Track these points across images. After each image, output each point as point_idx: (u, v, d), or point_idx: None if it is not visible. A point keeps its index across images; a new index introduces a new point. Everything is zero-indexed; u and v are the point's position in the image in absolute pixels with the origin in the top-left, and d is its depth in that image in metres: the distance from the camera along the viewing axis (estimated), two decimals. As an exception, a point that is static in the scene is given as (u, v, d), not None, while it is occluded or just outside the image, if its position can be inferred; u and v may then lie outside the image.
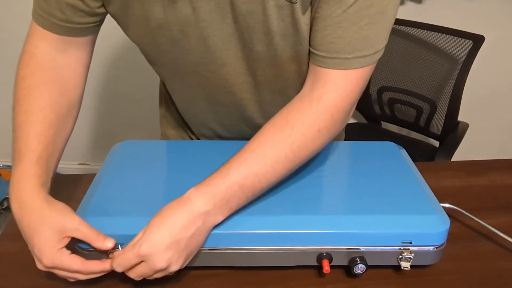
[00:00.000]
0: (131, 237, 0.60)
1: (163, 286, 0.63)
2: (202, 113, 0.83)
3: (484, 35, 1.38)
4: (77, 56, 0.72)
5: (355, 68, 0.61)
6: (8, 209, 1.78)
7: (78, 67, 0.73)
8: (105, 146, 0.90)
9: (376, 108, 1.66)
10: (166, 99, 0.92)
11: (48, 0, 0.65)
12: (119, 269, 0.58)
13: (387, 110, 1.63)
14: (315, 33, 0.62)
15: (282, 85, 0.74)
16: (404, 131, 1.71)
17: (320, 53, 0.62)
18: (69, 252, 0.58)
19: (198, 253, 0.61)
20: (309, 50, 0.65)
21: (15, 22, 1.72)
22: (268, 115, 0.69)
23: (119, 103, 1.89)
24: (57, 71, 0.69)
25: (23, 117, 0.65)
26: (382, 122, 1.76)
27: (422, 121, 1.55)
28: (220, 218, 0.60)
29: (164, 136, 0.97)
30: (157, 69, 0.79)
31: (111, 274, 0.60)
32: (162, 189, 0.68)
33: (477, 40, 1.39)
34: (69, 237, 0.58)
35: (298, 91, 0.66)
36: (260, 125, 0.66)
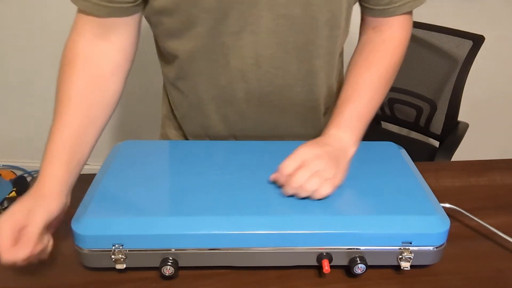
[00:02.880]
0: (131, 237, 0.60)
1: (163, 286, 0.63)
2: (216, 97, 0.81)
3: (484, 35, 1.39)
4: (118, 43, 0.71)
5: (409, 13, 0.77)
6: (8, 209, 1.77)
7: (118, 55, 0.72)
8: (105, 146, 0.90)
9: (376, 108, 1.66)
10: (170, 99, 0.92)
11: None
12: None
13: (387, 110, 1.63)
14: None
15: (311, 53, 0.76)
16: (404, 131, 1.71)
17: (383, 7, 0.75)
18: None
19: (199, 253, 0.62)
20: (364, 7, 0.77)
21: (15, 22, 1.72)
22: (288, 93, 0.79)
23: (119, 103, 1.89)
24: (95, 61, 0.70)
25: (58, 109, 0.67)
26: (382, 122, 1.76)
27: (422, 121, 1.55)
28: (355, 149, 0.72)
29: (164, 136, 0.97)
30: (178, 46, 0.76)
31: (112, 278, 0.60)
32: (162, 189, 0.68)
33: (477, 40, 1.39)
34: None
35: (325, 61, 0.78)
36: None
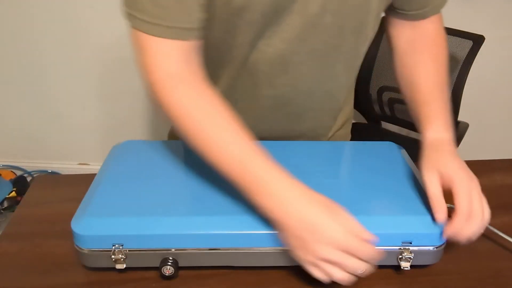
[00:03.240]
0: (131, 237, 0.60)
1: (163, 286, 0.63)
2: (239, 100, 0.80)
3: (484, 35, 1.38)
4: (200, 68, 0.67)
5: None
6: (8, 209, 1.77)
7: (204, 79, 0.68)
8: (105, 146, 0.90)
9: (376, 108, 1.66)
10: None
11: (183, 1, 0.61)
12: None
13: (387, 110, 1.63)
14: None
15: (335, 59, 0.76)
16: (404, 131, 1.71)
17: (416, 11, 0.78)
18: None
19: (199, 253, 0.62)
20: (396, 12, 0.79)
21: (15, 22, 1.72)
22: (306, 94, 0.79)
23: (119, 103, 1.89)
24: (204, 84, 0.66)
25: (223, 134, 0.62)
26: (382, 122, 1.76)
27: (422, 121, 1.55)
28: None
29: (172, 137, 0.96)
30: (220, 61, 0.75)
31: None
32: (162, 189, 0.68)
33: (477, 40, 1.38)
34: None
35: (347, 66, 0.79)
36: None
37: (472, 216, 0.61)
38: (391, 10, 0.80)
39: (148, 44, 0.64)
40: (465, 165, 0.66)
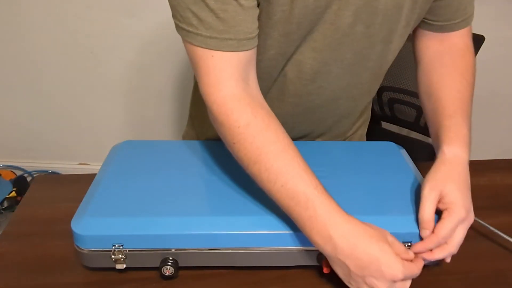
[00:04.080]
0: (131, 237, 0.60)
1: (163, 286, 0.63)
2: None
3: (484, 35, 1.38)
4: (256, 83, 0.66)
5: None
6: (8, 209, 1.77)
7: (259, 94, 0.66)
8: (105, 146, 0.90)
9: (376, 108, 1.65)
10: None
11: (247, 12, 0.59)
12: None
13: (387, 110, 1.63)
14: (447, 8, 0.75)
15: (362, 68, 0.76)
16: (404, 131, 1.71)
17: (451, 22, 0.77)
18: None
19: (199, 253, 0.62)
20: (425, 22, 0.77)
21: (15, 22, 1.72)
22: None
23: (119, 103, 1.89)
24: (262, 105, 0.64)
25: (281, 162, 0.60)
26: (382, 122, 1.76)
27: (422, 121, 1.55)
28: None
29: (188, 136, 0.96)
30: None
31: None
32: (162, 189, 0.68)
33: (477, 40, 1.38)
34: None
35: (372, 73, 0.78)
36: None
37: (446, 245, 0.62)
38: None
39: (210, 62, 0.61)
40: (469, 196, 0.65)
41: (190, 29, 0.60)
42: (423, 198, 0.63)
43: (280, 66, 0.73)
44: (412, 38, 0.83)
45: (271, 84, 0.77)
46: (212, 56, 0.60)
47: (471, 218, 0.64)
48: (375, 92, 0.89)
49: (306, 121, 0.84)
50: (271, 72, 0.74)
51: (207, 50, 0.60)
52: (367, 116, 1.00)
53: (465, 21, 0.78)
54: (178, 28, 0.62)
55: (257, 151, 0.60)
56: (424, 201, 0.63)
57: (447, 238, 0.61)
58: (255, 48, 0.64)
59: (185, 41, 0.62)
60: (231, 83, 0.62)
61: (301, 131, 0.87)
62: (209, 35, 0.59)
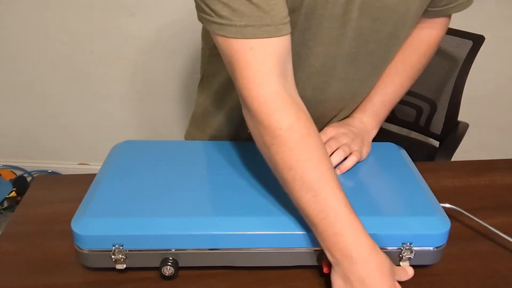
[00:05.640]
0: (131, 237, 0.60)
1: (163, 286, 0.63)
2: None
3: (484, 35, 1.38)
4: (293, 78, 0.63)
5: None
6: (8, 209, 1.77)
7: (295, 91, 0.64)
8: (105, 146, 0.90)
9: (376, 108, 1.65)
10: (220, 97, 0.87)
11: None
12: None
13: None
14: None
15: (366, 62, 0.77)
16: (404, 131, 1.71)
17: (440, 8, 0.78)
18: None
19: (199, 253, 0.62)
20: (429, 11, 0.77)
21: (15, 22, 1.72)
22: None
23: (119, 103, 1.89)
24: (302, 107, 0.62)
25: (317, 173, 0.58)
26: (382, 122, 1.76)
27: (422, 121, 1.55)
28: (376, 131, 0.83)
29: (190, 136, 0.96)
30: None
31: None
32: (162, 189, 0.68)
33: (477, 40, 1.38)
34: None
35: (374, 67, 0.79)
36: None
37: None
38: None
39: (250, 55, 0.58)
40: (350, 130, 0.79)
41: (222, 21, 0.58)
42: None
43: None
44: None
45: None
46: (251, 48, 0.58)
47: (353, 144, 0.76)
48: (373, 87, 0.88)
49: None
50: None
51: (244, 41, 0.58)
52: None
53: (462, 5, 0.78)
54: (207, 22, 0.60)
55: (295, 157, 0.58)
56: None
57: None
58: (290, 36, 0.61)
59: (217, 35, 0.59)
60: (273, 78, 0.59)
61: None
62: (244, 23, 0.57)
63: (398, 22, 0.72)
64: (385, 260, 0.57)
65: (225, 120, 0.89)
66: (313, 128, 0.61)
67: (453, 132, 1.46)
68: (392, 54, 0.80)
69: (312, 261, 0.63)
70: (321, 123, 0.87)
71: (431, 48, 0.84)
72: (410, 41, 0.82)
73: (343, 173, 0.73)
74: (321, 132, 0.72)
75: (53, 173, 1.97)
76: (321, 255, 0.62)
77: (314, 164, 0.59)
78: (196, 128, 0.96)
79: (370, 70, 0.79)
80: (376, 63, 0.79)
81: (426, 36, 0.83)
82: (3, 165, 2.02)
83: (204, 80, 0.91)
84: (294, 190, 0.59)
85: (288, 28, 0.60)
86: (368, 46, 0.73)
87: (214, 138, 0.91)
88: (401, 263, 0.63)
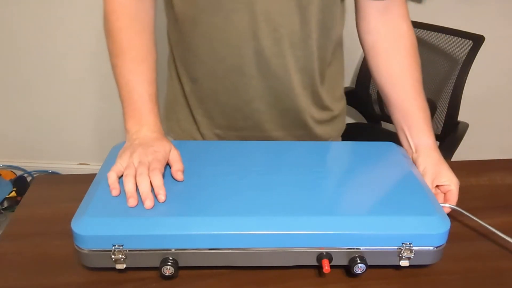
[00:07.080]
0: (131, 237, 0.60)
1: (163, 286, 0.63)
2: (226, 58, 0.82)
3: (484, 35, 1.39)
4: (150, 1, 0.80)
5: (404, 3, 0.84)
6: (8, 209, 1.77)
7: (152, 11, 0.82)
8: (105, 146, 0.90)
9: (376, 108, 1.66)
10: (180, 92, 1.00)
11: None
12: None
13: (387, 110, 1.63)
14: None
15: (309, 12, 0.78)
16: (404, 131, 1.71)
17: None
18: None
19: (199, 253, 0.62)
20: None
21: (15, 22, 1.72)
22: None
23: (119, 103, 1.89)
24: (144, 20, 0.80)
25: (132, 65, 0.81)
26: (382, 122, 1.76)
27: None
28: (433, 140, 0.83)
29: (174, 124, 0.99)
30: (195, 14, 0.81)
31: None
32: (162, 189, 0.68)
33: (477, 40, 1.39)
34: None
35: (318, 19, 0.79)
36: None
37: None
38: None
39: None
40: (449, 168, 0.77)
41: None
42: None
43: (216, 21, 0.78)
44: (356, 22, 0.86)
45: (230, 24, 0.78)
46: None
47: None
48: (327, 61, 0.88)
49: (270, 78, 0.83)
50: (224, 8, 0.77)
51: None
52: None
53: None
54: None
55: (120, 50, 0.81)
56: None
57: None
58: None
59: None
60: None
61: (268, 95, 0.85)
62: None
63: None
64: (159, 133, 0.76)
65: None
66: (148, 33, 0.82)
67: (453, 132, 1.46)
68: (332, 11, 0.81)
69: (312, 261, 0.63)
70: (283, 86, 0.84)
71: (416, 44, 0.85)
72: (392, 51, 0.84)
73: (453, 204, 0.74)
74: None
75: (53, 173, 1.98)
76: (321, 255, 0.62)
77: (137, 59, 0.81)
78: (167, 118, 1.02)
79: (315, 20, 0.79)
80: (317, 14, 0.78)
81: (404, 35, 0.84)
82: (3, 165, 2.02)
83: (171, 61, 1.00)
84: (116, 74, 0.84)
85: None
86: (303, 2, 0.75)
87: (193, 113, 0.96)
88: (401, 263, 0.63)
